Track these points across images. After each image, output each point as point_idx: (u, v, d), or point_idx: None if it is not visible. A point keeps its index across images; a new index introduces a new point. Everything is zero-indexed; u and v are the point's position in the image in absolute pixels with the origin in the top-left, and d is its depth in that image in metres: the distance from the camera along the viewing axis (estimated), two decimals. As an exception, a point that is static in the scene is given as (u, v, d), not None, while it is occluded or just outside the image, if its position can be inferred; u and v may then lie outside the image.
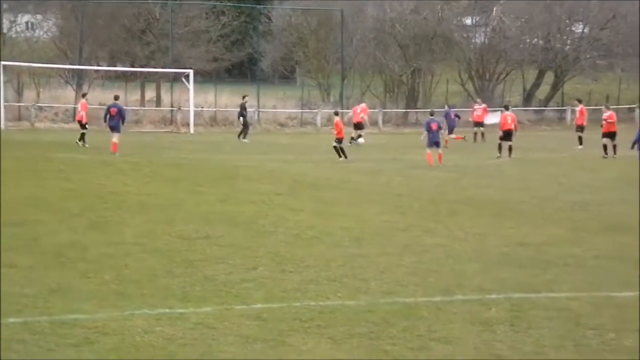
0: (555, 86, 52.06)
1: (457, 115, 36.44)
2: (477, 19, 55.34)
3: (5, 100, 39.14)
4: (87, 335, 8.29)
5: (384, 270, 11.55)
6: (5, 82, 39.73)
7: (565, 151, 31.58)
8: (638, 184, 20.19)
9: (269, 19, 52.46)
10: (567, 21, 51.68)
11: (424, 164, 25.64)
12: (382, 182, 21.67)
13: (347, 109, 45.66)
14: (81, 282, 10.43)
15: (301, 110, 46.52)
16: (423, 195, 19.08)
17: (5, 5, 47.71)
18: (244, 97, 37.72)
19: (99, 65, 48.56)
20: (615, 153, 28.72)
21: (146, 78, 47.57)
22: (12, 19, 47.43)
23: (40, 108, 41.87)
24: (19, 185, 18.78)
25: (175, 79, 44.25)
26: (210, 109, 44.77)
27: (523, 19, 50.77)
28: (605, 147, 29.00)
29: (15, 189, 18.14)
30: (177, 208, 16.38)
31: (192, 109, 40.97)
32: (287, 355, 8.02)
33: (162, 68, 44.75)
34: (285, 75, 55.55)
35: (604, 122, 29.85)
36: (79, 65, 44.09)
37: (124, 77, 48.17)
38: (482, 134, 36.10)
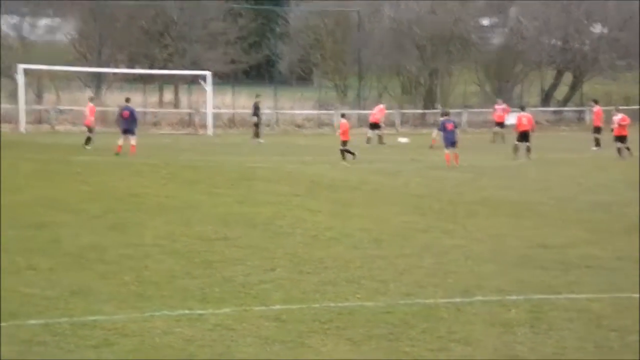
0: (574, 87, 51.77)
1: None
2: (495, 20, 55.12)
3: (26, 104, 39.40)
4: (107, 337, 8.33)
5: (403, 271, 11.52)
6: (25, 86, 40.00)
7: (584, 152, 31.38)
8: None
9: (286, 21, 52.53)
10: (585, 22, 51.36)
11: (442, 164, 25.56)
12: (401, 183, 21.62)
13: (364, 110, 45.79)
14: (101, 284, 10.48)
15: (318, 112, 46.55)
16: (442, 196, 19.02)
17: (25, 9, 48.06)
18: (257, 96, 37.53)
19: (117, 68, 48.81)
20: (630, 153, 28.45)
21: (164, 80, 47.77)
22: (32, 22, 47.75)
23: (61, 111, 42.12)
24: (39, 188, 18.92)
25: (193, 81, 44.39)
26: (228, 111, 44.89)
27: (541, 20, 50.51)
28: (619, 150, 28.73)
29: (36, 191, 18.28)
30: (195, 210, 16.42)
31: (209, 110, 41.08)
32: (305, 356, 8.01)
33: (180, 70, 44.92)
34: (302, 77, 55.57)
35: (616, 125, 29.52)
36: (97, 67, 44.32)
37: (142, 79, 48.38)
38: (502, 135, 36.01)
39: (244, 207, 16.89)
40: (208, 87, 40.80)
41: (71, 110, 43.17)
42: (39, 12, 49.08)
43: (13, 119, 39.58)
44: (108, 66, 46.56)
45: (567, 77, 52.38)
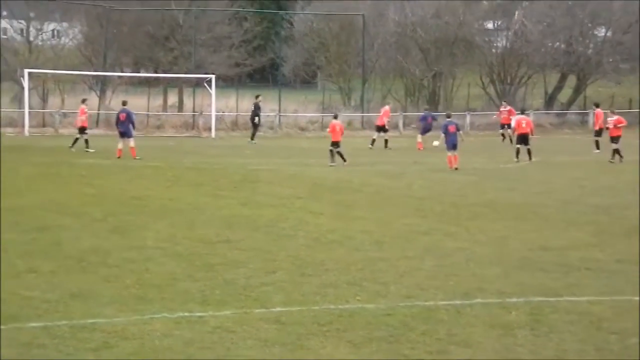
0: (578, 90, 51.69)
1: (434, 119, 36.55)
2: (499, 23, 55.09)
3: (30, 107, 39.49)
4: (106, 340, 8.34)
5: (404, 273, 11.52)
6: (30, 89, 40.11)
7: (586, 155, 31.32)
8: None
9: (291, 24, 52.59)
10: (589, 25, 51.29)
11: (445, 167, 25.55)
12: (403, 186, 21.62)
13: (368, 112, 45.78)
14: (102, 287, 10.49)
15: (322, 115, 46.53)
16: (444, 199, 19.02)
17: (32, 14, 48.26)
18: (257, 97, 37.39)
19: (122, 72, 48.90)
20: (621, 156, 28.17)
21: (169, 83, 47.85)
22: (39, 27, 47.92)
23: (65, 114, 42.20)
24: (42, 191, 18.97)
25: (198, 84, 44.45)
26: (232, 114, 44.91)
27: (545, 23, 50.46)
28: (614, 152, 28.52)
29: (38, 194, 18.32)
30: (198, 212, 16.45)
31: (213, 113, 41.13)
32: (305, 358, 8.01)
33: (185, 73, 44.99)
34: (306, 80, 55.63)
35: (611, 125, 29.46)
36: (103, 71, 44.43)
37: (147, 82, 48.48)
38: (510, 137, 36.02)
39: (247, 210, 16.92)
40: (212, 90, 40.86)
41: (75, 113, 43.22)
42: (46, 16, 49.24)
43: (17, 123, 39.68)
44: (113, 70, 46.66)
45: (571, 80, 52.32)
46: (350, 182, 21.98)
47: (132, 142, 27.52)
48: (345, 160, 26.45)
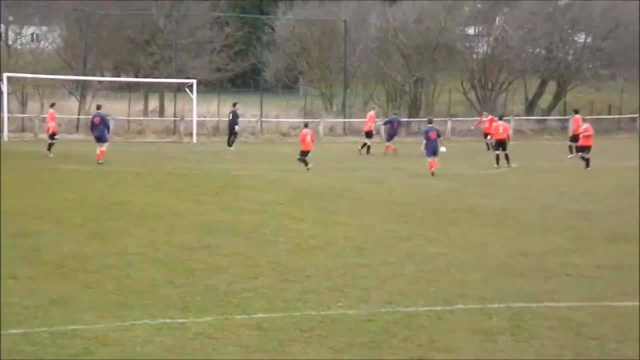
0: (558, 96, 52.05)
1: (400, 124, 36.71)
2: (480, 29, 55.39)
3: (10, 112, 39.20)
4: (86, 346, 8.30)
5: (386, 279, 11.55)
6: (9, 94, 39.80)
7: (566, 161, 31.54)
8: (638, 193, 20.16)
9: (273, 29, 52.57)
10: (569, 31, 51.70)
11: (426, 173, 25.63)
12: (385, 192, 21.67)
13: (350, 118, 45.82)
14: (82, 293, 10.44)
15: (304, 120, 46.49)
16: (425, 205, 19.08)
17: (11, 18, 47.88)
18: (234, 105, 37.36)
19: (103, 76, 48.67)
20: (588, 166, 28.07)
21: (150, 88, 47.67)
22: (18, 30, 47.59)
23: (44, 119, 41.91)
24: (21, 196, 18.83)
25: (179, 89, 44.31)
26: (213, 119, 44.82)
27: (526, 29, 50.80)
28: (585, 159, 28.35)
29: (18, 199, 18.18)
30: (179, 218, 16.40)
31: (195, 119, 41.04)
32: (287, 365, 8.03)
33: (166, 78, 44.85)
34: (288, 85, 55.61)
35: (580, 135, 29.47)
36: (83, 76, 44.20)
37: (128, 87, 48.27)
38: (490, 144, 36.19)
39: (228, 215, 16.89)
40: (193, 95, 40.76)
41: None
42: (25, 20, 48.90)
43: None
44: (93, 74, 46.44)
45: (551, 86, 52.70)
46: (332, 188, 22.00)
47: (104, 147, 27.29)
48: (308, 169, 25.92)
